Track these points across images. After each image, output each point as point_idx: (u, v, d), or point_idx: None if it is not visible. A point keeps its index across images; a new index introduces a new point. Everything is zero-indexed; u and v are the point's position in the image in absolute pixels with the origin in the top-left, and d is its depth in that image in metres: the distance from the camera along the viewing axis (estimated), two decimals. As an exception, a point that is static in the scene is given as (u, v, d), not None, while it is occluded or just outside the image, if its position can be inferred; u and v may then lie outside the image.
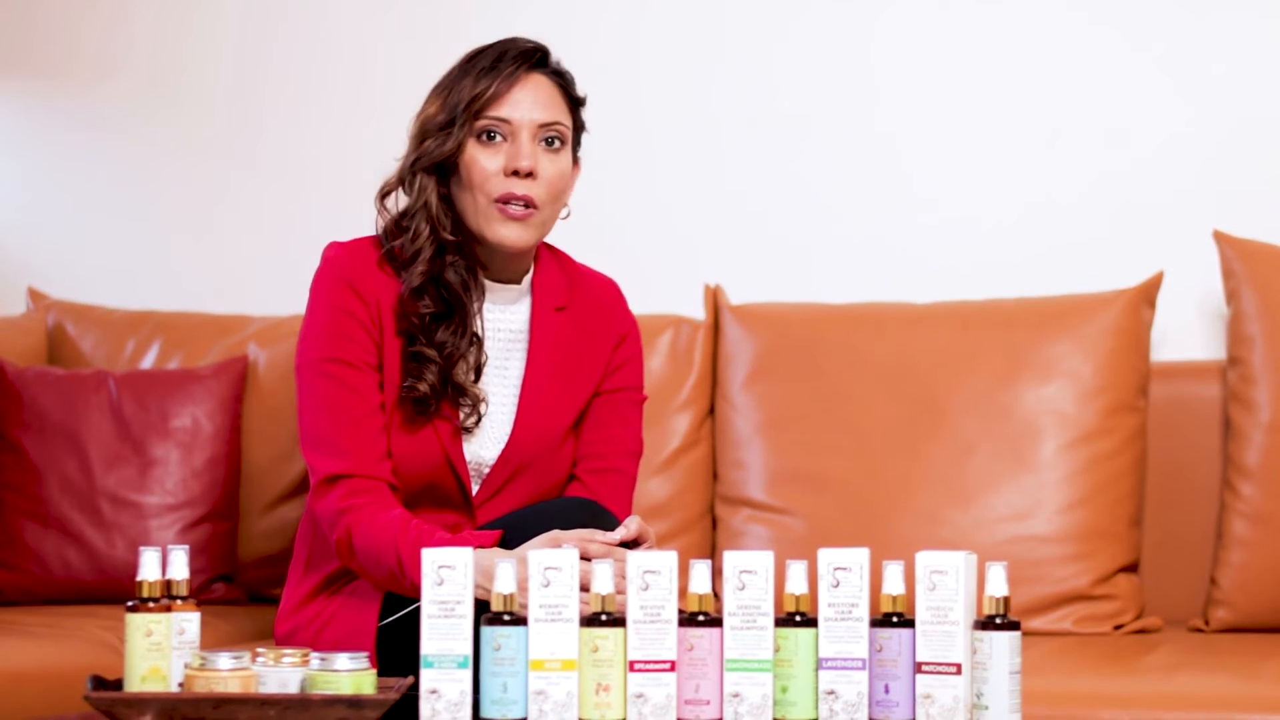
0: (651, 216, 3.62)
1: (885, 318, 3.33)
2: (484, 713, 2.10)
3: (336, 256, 2.63)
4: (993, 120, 3.52)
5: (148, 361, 3.53)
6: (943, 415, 3.21)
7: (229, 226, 3.77)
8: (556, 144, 2.63)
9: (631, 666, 2.11)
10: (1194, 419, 3.27)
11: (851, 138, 3.56)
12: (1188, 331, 3.40)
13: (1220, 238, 3.26)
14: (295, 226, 3.71)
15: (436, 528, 2.51)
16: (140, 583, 2.15)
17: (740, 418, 3.31)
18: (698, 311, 3.45)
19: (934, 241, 3.52)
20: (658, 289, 3.53)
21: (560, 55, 2.68)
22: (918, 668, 2.13)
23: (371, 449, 2.56)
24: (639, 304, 3.44)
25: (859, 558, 2.13)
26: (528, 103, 2.61)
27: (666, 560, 2.12)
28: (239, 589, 3.40)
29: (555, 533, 2.42)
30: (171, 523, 3.31)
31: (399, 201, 2.65)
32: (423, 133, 2.62)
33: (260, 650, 2.16)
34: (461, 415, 2.60)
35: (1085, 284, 3.33)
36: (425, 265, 2.59)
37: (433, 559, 2.10)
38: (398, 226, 2.62)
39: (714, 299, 3.41)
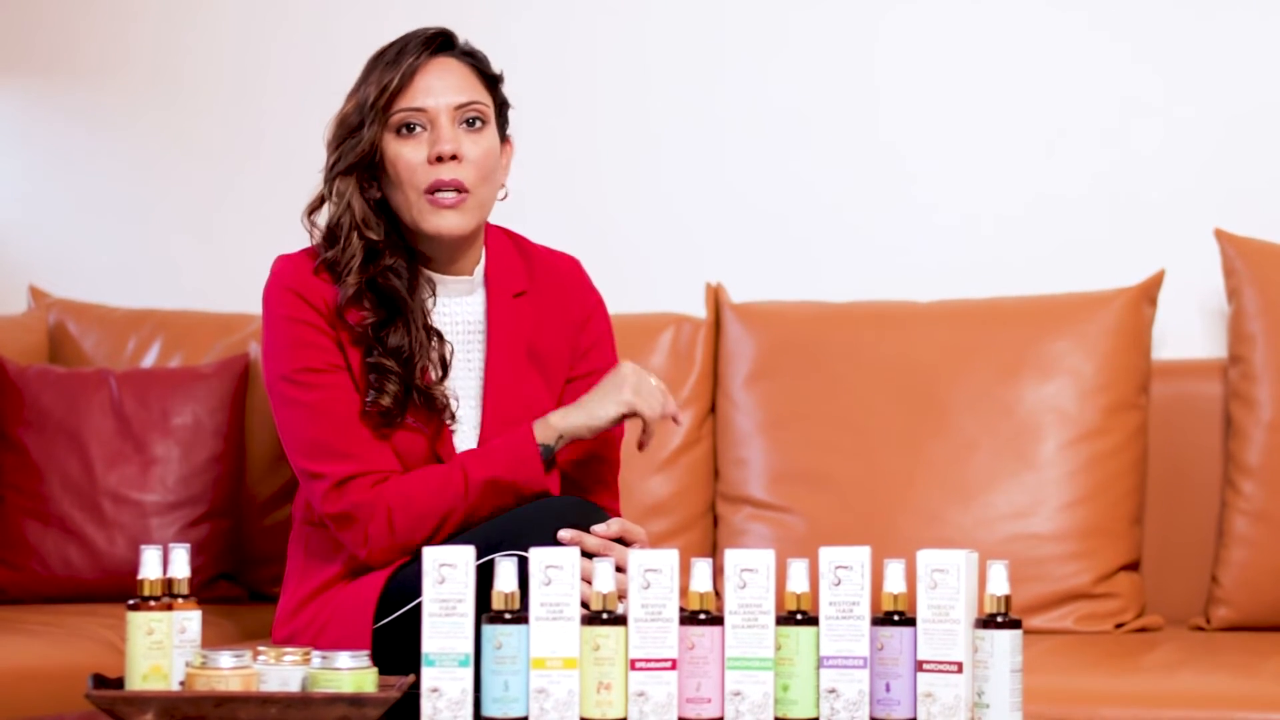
0: (653, 214, 3.62)
1: (886, 316, 3.33)
2: (485, 711, 2.10)
3: (281, 269, 2.62)
4: (994, 119, 3.52)
5: (149, 360, 3.53)
6: (944, 413, 3.21)
7: (230, 225, 3.77)
8: (478, 123, 2.59)
9: (633, 665, 2.11)
10: (1195, 417, 3.27)
11: (853, 136, 3.56)
12: (1189, 329, 3.40)
13: (1221, 236, 3.26)
14: (296, 224, 3.70)
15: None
16: (141, 581, 2.15)
17: (741, 416, 3.31)
18: (699, 310, 3.45)
19: (935, 240, 3.52)
20: (659, 287, 3.53)
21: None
22: (919, 666, 2.13)
23: (371, 445, 2.55)
24: (640, 302, 3.45)
25: (860, 556, 2.13)
26: (439, 87, 2.58)
27: (668, 558, 2.12)
28: (240, 587, 3.41)
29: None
30: (173, 521, 3.32)
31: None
32: (337, 137, 2.60)
33: (262, 648, 2.16)
34: (438, 415, 2.58)
35: (1086, 282, 3.33)
36: (357, 275, 2.56)
37: (434, 557, 2.10)
38: (328, 239, 2.60)
39: (715, 297, 3.41)
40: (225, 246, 3.76)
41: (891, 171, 3.55)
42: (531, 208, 3.52)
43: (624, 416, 2.57)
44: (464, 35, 2.69)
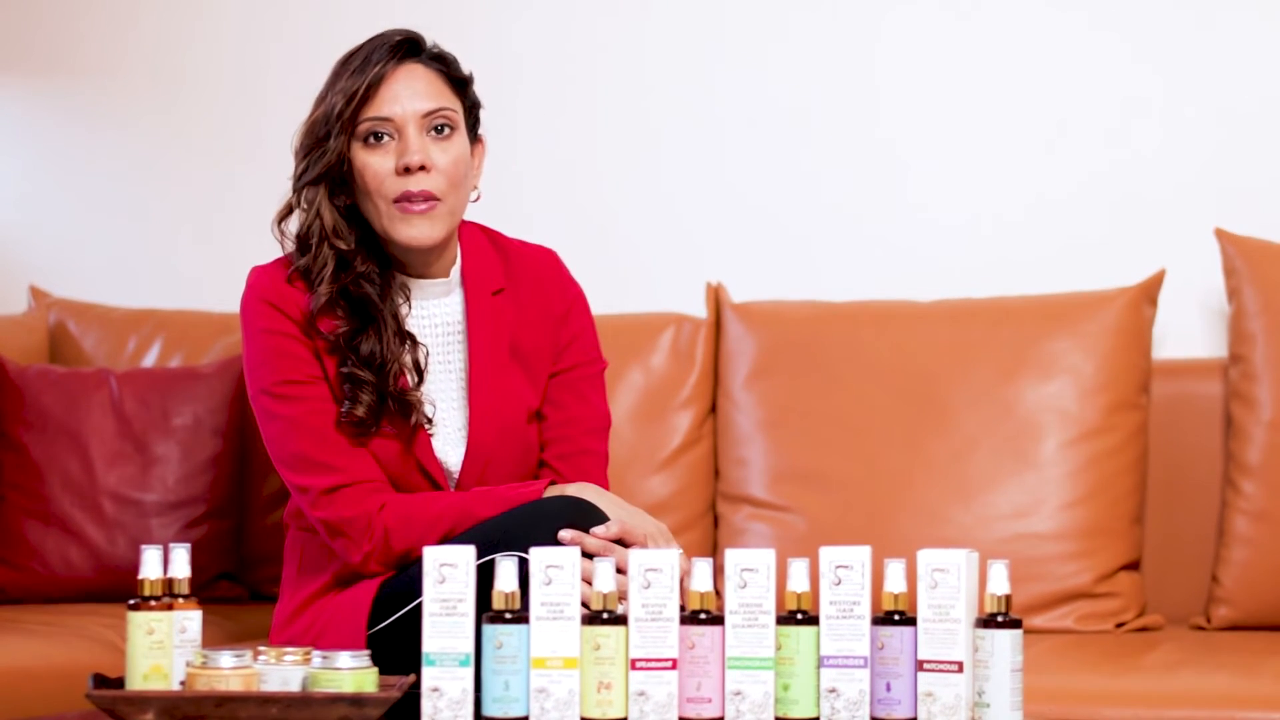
0: (653, 214, 3.62)
1: (887, 315, 3.33)
2: (486, 711, 2.10)
3: (256, 280, 2.59)
4: (994, 119, 3.52)
5: (149, 359, 3.53)
6: (944, 413, 3.21)
7: (230, 224, 3.77)
8: (446, 130, 2.56)
9: (633, 664, 2.11)
10: (1195, 416, 3.27)
11: (854, 136, 3.56)
12: (1189, 329, 3.40)
13: (1221, 235, 3.26)
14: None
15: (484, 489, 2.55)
16: (142, 581, 2.15)
17: (742, 415, 3.31)
18: (699, 309, 3.45)
19: (936, 239, 3.52)
20: (660, 287, 3.53)
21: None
22: (919, 666, 2.13)
23: (353, 455, 2.54)
24: (640, 302, 3.45)
25: (861, 555, 2.13)
26: (405, 95, 2.55)
27: (668, 558, 2.12)
28: (241, 587, 3.41)
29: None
30: (173, 521, 3.31)
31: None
32: (304, 146, 2.58)
33: (262, 648, 2.16)
34: (414, 421, 2.56)
35: (1087, 282, 3.33)
36: (329, 284, 2.53)
37: (434, 557, 2.10)
38: (300, 246, 2.58)
39: (715, 297, 3.41)
40: (225, 246, 3.76)
41: (892, 171, 3.55)
42: (532, 208, 3.53)
43: (624, 540, 2.45)
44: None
